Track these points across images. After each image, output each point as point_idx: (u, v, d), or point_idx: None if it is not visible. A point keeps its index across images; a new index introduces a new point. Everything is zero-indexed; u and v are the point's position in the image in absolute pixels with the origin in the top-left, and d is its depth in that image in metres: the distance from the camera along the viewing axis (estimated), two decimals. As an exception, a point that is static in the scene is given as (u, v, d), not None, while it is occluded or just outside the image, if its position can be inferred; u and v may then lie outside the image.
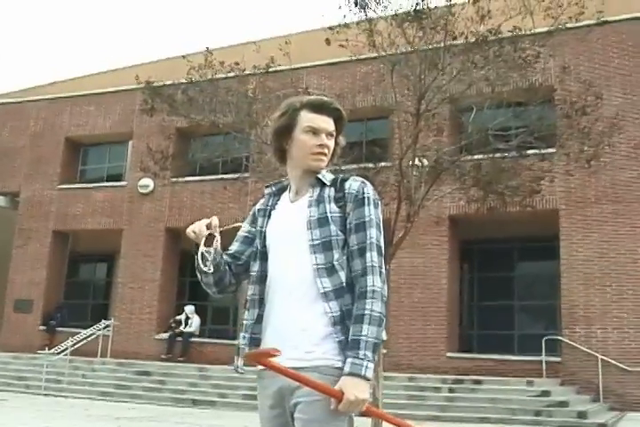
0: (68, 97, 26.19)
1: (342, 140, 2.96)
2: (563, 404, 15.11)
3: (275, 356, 2.46)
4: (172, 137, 20.51)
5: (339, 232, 2.72)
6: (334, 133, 2.91)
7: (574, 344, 17.04)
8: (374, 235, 2.70)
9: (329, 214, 2.74)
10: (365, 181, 2.82)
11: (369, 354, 2.54)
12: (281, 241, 2.84)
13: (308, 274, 2.70)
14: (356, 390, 2.50)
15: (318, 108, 2.89)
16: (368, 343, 2.54)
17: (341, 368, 2.56)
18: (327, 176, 2.87)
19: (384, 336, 2.72)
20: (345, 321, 2.62)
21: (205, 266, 2.89)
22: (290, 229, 2.81)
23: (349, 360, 2.54)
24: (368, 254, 2.66)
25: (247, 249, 3.02)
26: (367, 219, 2.71)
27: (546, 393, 15.58)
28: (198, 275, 2.96)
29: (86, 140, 26.09)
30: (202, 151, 19.96)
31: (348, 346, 2.57)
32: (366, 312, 2.57)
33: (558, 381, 16.88)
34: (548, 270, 19.51)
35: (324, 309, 2.65)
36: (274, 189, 3.03)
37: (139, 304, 22.95)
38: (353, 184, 2.78)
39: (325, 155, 2.88)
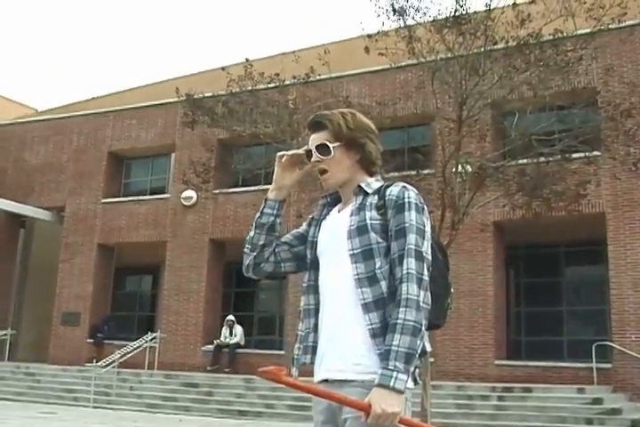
0: (109, 111, 26.44)
1: (362, 141, 2.86)
2: (615, 411, 14.83)
3: (280, 375, 2.42)
4: (213, 149, 20.56)
5: (379, 240, 2.67)
6: (324, 145, 2.83)
7: (625, 350, 16.74)
8: (413, 241, 2.62)
9: (368, 222, 2.70)
10: (408, 185, 2.75)
11: (399, 365, 2.46)
12: (327, 251, 2.82)
13: (350, 284, 2.67)
14: (383, 402, 2.42)
15: (308, 128, 2.94)
16: (399, 354, 2.47)
17: None
18: (372, 184, 2.82)
19: (427, 347, 2.63)
20: (386, 333, 2.57)
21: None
22: (333, 239, 2.80)
23: (379, 371, 2.49)
24: (405, 261, 2.59)
25: (298, 245, 3.01)
26: (407, 224, 2.64)
27: (598, 401, 15.30)
28: (257, 215, 3.02)
29: (129, 154, 26.30)
30: (244, 162, 20.01)
31: (381, 357, 2.52)
32: (399, 321, 2.51)
33: (610, 388, 16.56)
34: (595, 275, 19.23)
35: (365, 320, 2.61)
36: (329, 199, 3.01)
37: (184, 316, 23.03)
38: (393, 190, 2.73)
39: (323, 172, 2.86)
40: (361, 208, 2.75)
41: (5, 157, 27.75)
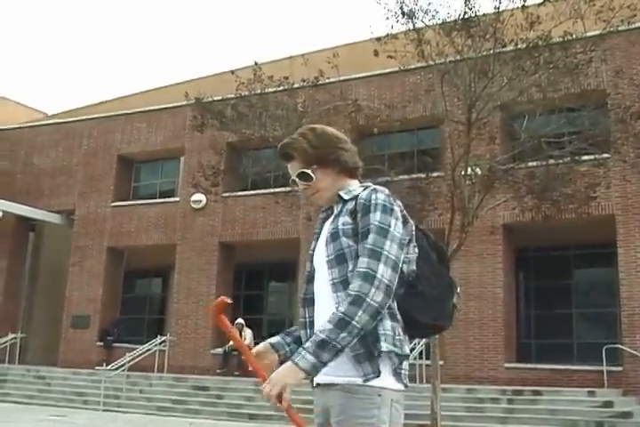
0: (119, 115, 26.49)
1: (330, 158, 2.88)
2: (626, 415, 14.76)
3: (224, 304, 2.76)
4: (222, 152, 20.56)
5: (350, 243, 2.70)
6: (303, 173, 2.87)
7: (636, 353, 16.65)
8: (371, 240, 2.61)
9: (340, 227, 2.73)
10: (379, 188, 2.76)
11: (311, 348, 2.49)
12: (316, 262, 2.88)
13: (329, 290, 2.72)
14: (281, 372, 2.51)
15: (281, 158, 2.99)
16: (317, 338, 2.50)
17: (363, 385, 2.58)
18: (353, 190, 2.85)
19: (401, 350, 2.62)
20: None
21: None
22: (319, 249, 2.87)
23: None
24: (360, 260, 2.60)
25: None
26: (371, 226, 2.64)
27: (608, 404, 15.24)
28: None
29: (138, 158, 26.34)
30: (253, 166, 20.03)
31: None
32: (334, 312, 2.53)
33: (620, 391, 16.49)
34: (605, 277, 19.17)
35: None
36: (328, 212, 3.01)
37: (194, 319, 23.04)
38: (363, 193, 2.76)
39: (313, 194, 2.92)
40: (338, 215, 2.81)
41: (15, 161, 27.83)
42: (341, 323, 2.49)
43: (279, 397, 2.49)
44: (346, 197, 2.82)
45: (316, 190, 2.89)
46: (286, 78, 14.70)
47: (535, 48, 12.56)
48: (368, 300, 2.50)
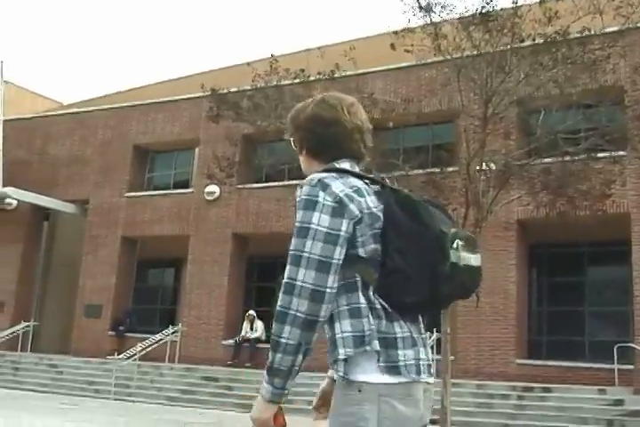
0: (134, 105, 26.53)
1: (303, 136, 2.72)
2: (637, 413, 14.70)
3: None
4: (238, 143, 20.55)
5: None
6: (294, 140, 2.75)
7: (648, 352, 16.61)
8: (292, 246, 2.42)
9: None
10: (312, 177, 2.51)
11: (265, 376, 2.40)
12: None
13: None
14: (254, 408, 2.44)
15: None
16: (267, 367, 2.40)
17: (345, 379, 2.40)
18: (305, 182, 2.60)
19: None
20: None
21: None
22: None
23: None
24: (286, 269, 2.42)
25: None
26: (295, 227, 2.45)
27: (619, 402, 15.21)
28: None
29: (153, 148, 26.40)
30: (268, 158, 20.03)
31: None
32: (272, 336, 2.41)
33: (631, 389, 16.42)
34: (619, 275, 19.07)
35: None
36: None
37: (206, 310, 23.09)
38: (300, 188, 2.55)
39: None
40: None
41: (30, 150, 27.93)
42: (274, 344, 2.38)
43: (278, 423, 2.43)
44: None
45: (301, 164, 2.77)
46: (302, 71, 14.67)
47: (553, 43, 12.48)
48: (292, 312, 2.34)
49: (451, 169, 14.47)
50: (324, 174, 2.50)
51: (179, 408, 17.71)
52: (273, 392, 2.40)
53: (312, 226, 2.40)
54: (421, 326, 2.56)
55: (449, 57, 13.06)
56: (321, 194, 2.44)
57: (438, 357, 12.94)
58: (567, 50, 12.52)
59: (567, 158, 13.24)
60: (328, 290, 2.36)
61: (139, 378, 20.43)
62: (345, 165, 2.62)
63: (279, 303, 2.36)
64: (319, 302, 2.35)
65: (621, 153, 14.05)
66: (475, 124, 13.18)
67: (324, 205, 2.42)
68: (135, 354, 21.18)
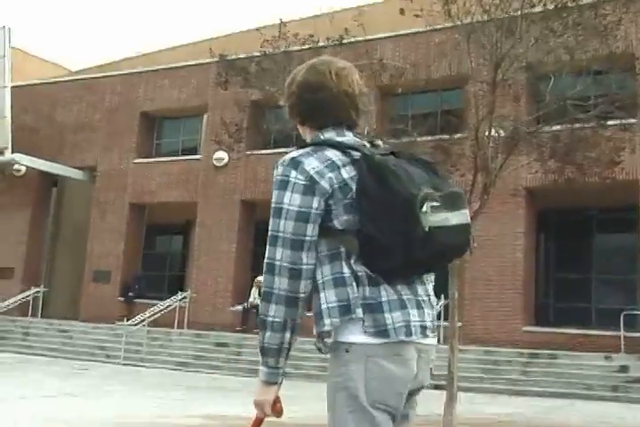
0: (142, 72, 26.46)
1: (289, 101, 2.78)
2: (642, 379, 14.83)
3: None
4: (246, 109, 20.46)
5: None
6: (288, 107, 2.77)
7: (654, 319, 16.68)
8: (270, 225, 2.52)
9: None
10: (286, 158, 2.57)
11: (260, 357, 2.49)
12: None
13: None
14: (255, 393, 2.51)
15: None
16: (259, 348, 2.49)
17: (335, 341, 2.47)
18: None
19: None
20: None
21: None
22: None
23: None
24: (266, 249, 2.53)
25: None
26: (271, 208, 2.54)
27: (624, 369, 15.31)
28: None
29: (161, 114, 26.36)
30: (276, 123, 19.95)
31: None
32: (259, 316, 2.51)
33: (637, 356, 16.50)
34: (627, 243, 19.10)
35: None
36: None
37: (214, 276, 23.20)
38: None
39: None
40: None
41: (39, 117, 27.91)
42: (262, 324, 2.47)
43: (275, 410, 2.48)
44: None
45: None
46: (311, 36, 14.56)
47: (564, 9, 12.33)
48: (275, 291, 2.46)
49: (459, 135, 14.40)
50: (300, 151, 2.56)
51: (189, 373, 17.93)
52: (268, 372, 2.48)
53: (284, 206, 2.49)
54: (419, 287, 2.55)
55: (459, 22, 12.93)
56: (292, 173, 2.49)
57: (445, 323, 12.98)
58: (578, 15, 12.38)
59: (577, 125, 13.15)
60: (304, 267, 2.46)
61: (148, 344, 20.60)
62: (330, 134, 2.64)
63: (264, 284, 2.50)
64: (297, 278, 2.46)
65: (631, 120, 13.96)
66: (483, 90, 13.09)
67: (295, 184, 2.48)
68: (144, 320, 21.33)
